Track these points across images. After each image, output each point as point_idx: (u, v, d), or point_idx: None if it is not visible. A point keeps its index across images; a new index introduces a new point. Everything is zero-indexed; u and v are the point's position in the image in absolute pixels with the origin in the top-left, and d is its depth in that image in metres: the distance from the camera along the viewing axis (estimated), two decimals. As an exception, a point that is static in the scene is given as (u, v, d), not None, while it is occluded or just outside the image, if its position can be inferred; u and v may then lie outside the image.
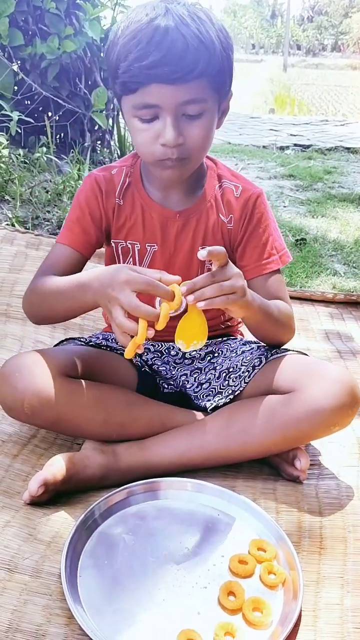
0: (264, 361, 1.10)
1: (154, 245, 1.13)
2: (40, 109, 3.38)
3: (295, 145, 5.10)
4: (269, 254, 1.13)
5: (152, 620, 0.79)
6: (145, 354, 1.21)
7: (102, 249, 1.21)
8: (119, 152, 3.58)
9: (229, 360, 1.17)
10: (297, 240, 2.58)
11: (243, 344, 1.19)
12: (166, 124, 0.94)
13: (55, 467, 0.98)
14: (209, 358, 1.20)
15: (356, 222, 2.94)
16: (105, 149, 3.66)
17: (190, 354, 1.20)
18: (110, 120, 3.58)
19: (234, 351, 1.18)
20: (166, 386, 1.20)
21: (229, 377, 1.14)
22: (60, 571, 0.84)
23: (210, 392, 1.15)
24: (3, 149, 2.83)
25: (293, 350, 1.13)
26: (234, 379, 1.12)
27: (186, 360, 1.21)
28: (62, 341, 1.21)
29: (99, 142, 3.65)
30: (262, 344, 1.16)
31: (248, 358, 1.13)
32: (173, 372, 1.20)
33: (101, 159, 3.55)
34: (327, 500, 1.02)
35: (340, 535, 0.95)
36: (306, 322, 1.74)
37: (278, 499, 1.02)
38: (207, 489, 1.00)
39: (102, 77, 3.37)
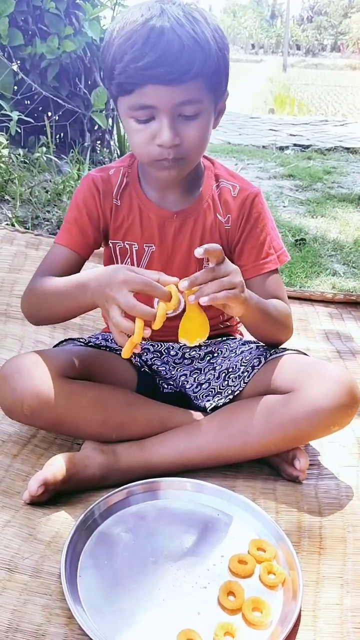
0: (263, 361, 1.10)
1: (151, 246, 1.13)
2: (40, 108, 3.38)
3: (295, 145, 5.10)
4: (266, 253, 1.13)
5: (152, 620, 0.79)
6: (145, 354, 1.21)
7: (102, 249, 1.21)
8: (118, 152, 3.58)
9: (229, 360, 1.17)
10: (296, 241, 2.58)
11: (242, 344, 1.19)
12: (162, 125, 0.94)
13: (55, 467, 0.98)
14: (208, 358, 1.21)
15: (355, 222, 2.94)
16: (105, 149, 3.66)
17: (189, 354, 1.21)
18: (110, 120, 3.58)
19: (234, 351, 1.18)
20: (166, 386, 1.20)
21: (229, 377, 1.14)
22: (60, 571, 0.84)
23: (210, 392, 1.15)
24: (3, 148, 2.83)
25: (292, 350, 1.13)
26: (234, 379, 1.13)
27: (186, 361, 1.21)
28: (62, 341, 1.21)
29: (98, 142, 3.65)
30: (262, 343, 1.17)
31: (247, 358, 1.13)
32: (172, 372, 1.20)
33: (101, 158, 3.55)
34: (327, 500, 1.02)
35: (340, 535, 0.95)
36: (306, 322, 1.74)
37: (278, 499, 1.02)
38: (206, 489, 1.00)
39: (101, 77, 3.37)
